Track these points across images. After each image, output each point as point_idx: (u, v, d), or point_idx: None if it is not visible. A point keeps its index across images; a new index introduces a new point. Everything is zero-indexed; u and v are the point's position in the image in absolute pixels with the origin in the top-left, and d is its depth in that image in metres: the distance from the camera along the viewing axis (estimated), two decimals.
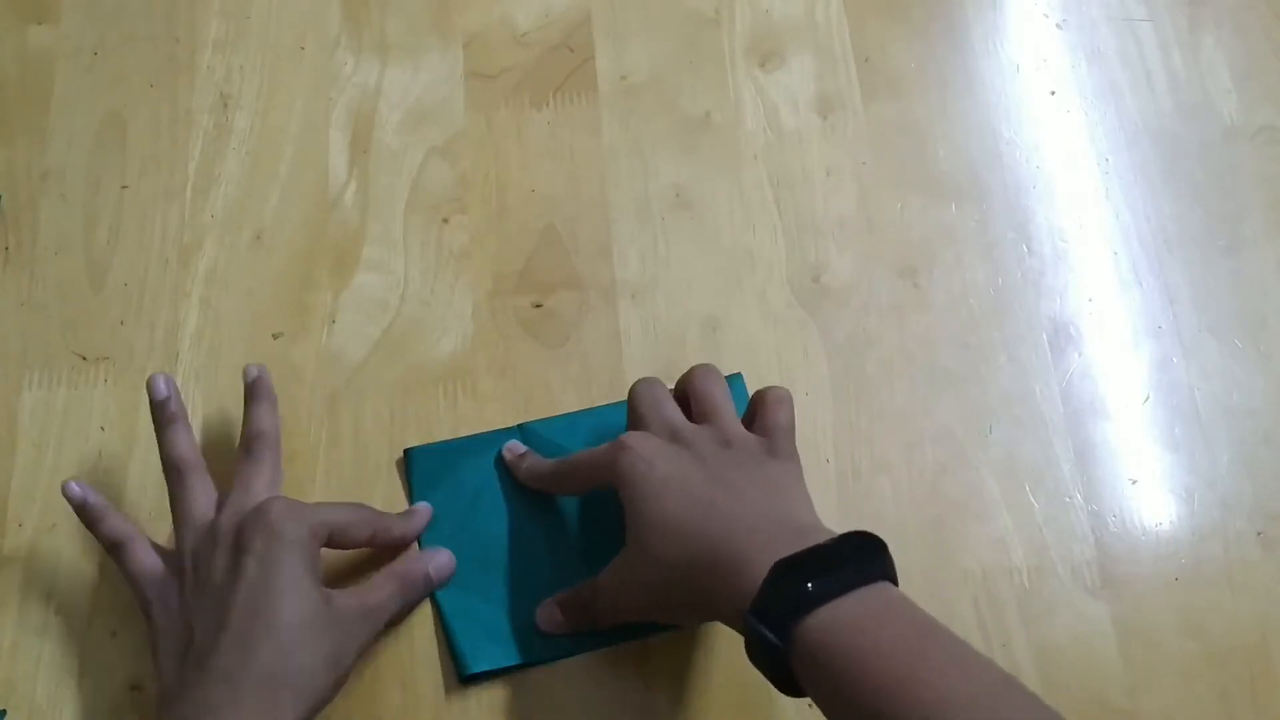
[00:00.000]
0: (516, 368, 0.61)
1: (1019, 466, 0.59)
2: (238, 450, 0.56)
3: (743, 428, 0.53)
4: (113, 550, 0.54)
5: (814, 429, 0.60)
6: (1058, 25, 0.70)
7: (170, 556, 0.53)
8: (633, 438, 0.52)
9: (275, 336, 0.62)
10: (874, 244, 0.64)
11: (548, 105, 0.67)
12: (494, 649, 0.55)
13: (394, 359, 0.62)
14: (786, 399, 0.54)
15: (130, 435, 0.60)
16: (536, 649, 0.55)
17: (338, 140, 0.67)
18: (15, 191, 0.65)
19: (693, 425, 0.53)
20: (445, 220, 0.65)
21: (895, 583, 0.46)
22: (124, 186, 0.65)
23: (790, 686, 0.44)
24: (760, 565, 0.44)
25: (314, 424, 0.60)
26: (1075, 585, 0.57)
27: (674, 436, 0.52)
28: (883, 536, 0.55)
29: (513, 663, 0.55)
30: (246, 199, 0.65)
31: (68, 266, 0.63)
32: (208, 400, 0.61)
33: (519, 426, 0.59)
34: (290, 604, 0.48)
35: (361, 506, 0.56)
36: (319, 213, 0.65)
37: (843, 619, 0.43)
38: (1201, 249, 0.64)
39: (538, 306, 0.63)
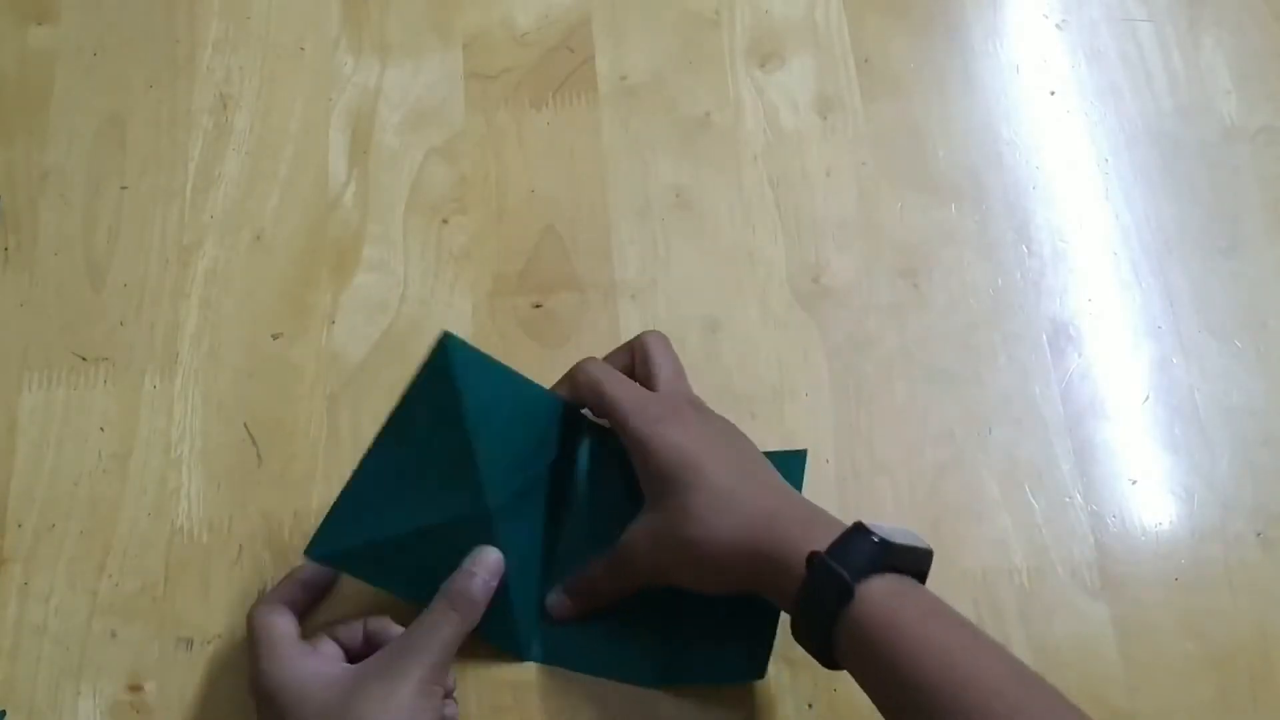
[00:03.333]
0: (516, 368, 0.61)
1: (1019, 467, 0.59)
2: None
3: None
4: None
5: (814, 430, 0.60)
6: (1058, 25, 0.70)
7: None
8: (656, 407, 0.53)
9: (275, 336, 0.62)
10: (874, 244, 0.64)
11: (548, 105, 0.67)
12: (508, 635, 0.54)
13: (394, 359, 0.62)
14: (664, 338, 0.57)
15: (130, 435, 0.60)
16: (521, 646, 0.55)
17: (338, 140, 0.67)
18: (15, 191, 0.65)
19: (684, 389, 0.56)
20: (445, 221, 0.65)
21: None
22: (124, 187, 0.65)
23: (827, 654, 0.47)
24: (825, 530, 0.47)
25: (314, 424, 0.60)
26: (1075, 586, 0.57)
27: (686, 398, 0.55)
28: None
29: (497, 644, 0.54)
30: (246, 199, 0.65)
31: (68, 266, 0.63)
32: (207, 400, 0.61)
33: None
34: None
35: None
36: (319, 213, 0.65)
37: (904, 589, 0.46)
38: (1201, 249, 0.64)
39: (538, 307, 0.63)
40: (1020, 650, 0.55)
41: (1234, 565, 0.57)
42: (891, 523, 0.48)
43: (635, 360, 0.57)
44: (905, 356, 0.62)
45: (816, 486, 0.58)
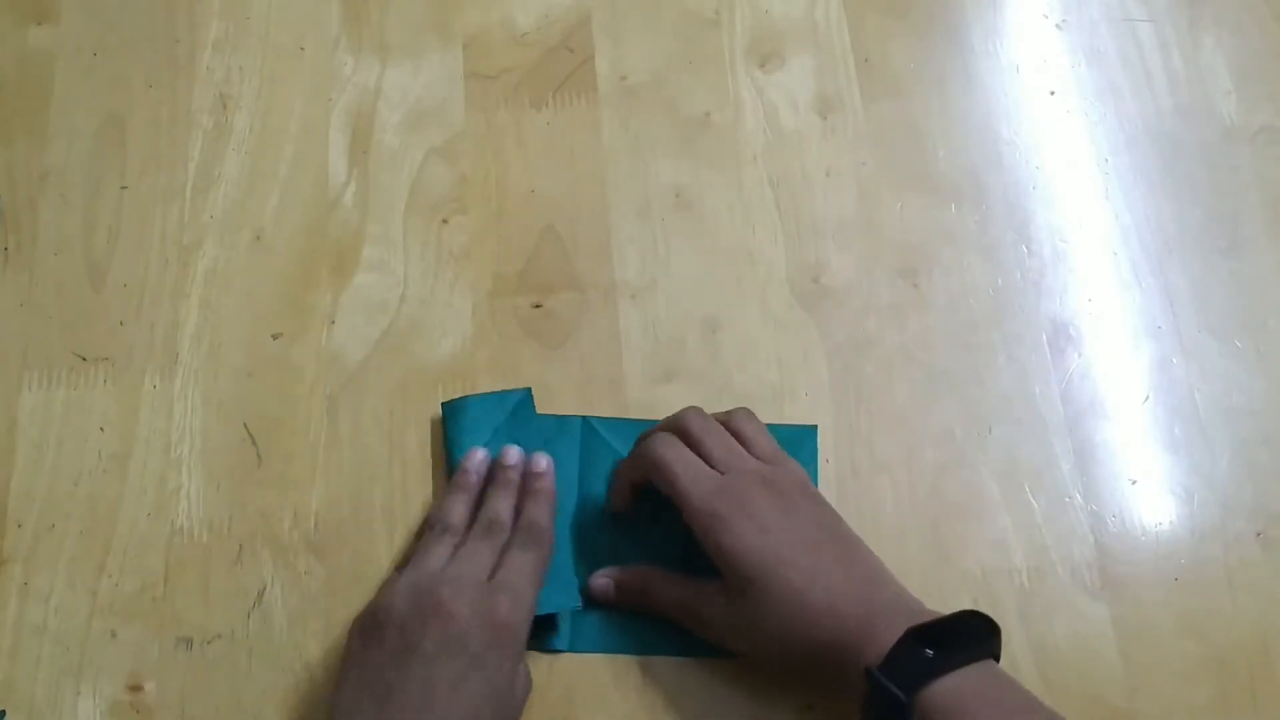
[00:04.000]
0: (516, 368, 0.61)
1: (1019, 467, 0.59)
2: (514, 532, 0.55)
3: (777, 467, 0.55)
4: None
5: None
6: (1058, 25, 0.70)
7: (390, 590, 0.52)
8: (724, 502, 0.52)
9: (275, 336, 0.62)
10: (874, 244, 0.64)
11: (547, 105, 0.68)
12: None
13: (394, 359, 0.62)
14: (756, 420, 0.57)
15: (129, 435, 0.60)
16: (559, 640, 0.55)
17: (338, 140, 0.67)
18: (15, 191, 0.65)
19: (762, 469, 0.54)
20: (445, 221, 0.65)
21: (999, 661, 0.49)
22: (124, 187, 0.65)
23: None
24: (886, 633, 0.47)
25: (314, 424, 0.60)
26: (1075, 586, 0.57)
27: (762, 481, 0.53)
28: (883, 537, 0.56)
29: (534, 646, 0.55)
30: (246, 199, 0.65)
31: (68, 266, 0.63)
32: (207, 400, 0.61)
33: (583, 419, 0.59)
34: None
35: (537, 553, 0.54)
36: (319, 213, 0.65)
37: (964, 690, 0.46)
38: (1201, 249, 0.64)
39: (537, 307, 0.63)
40: (1020, 650, 0.55)
41: (1234, 565, 0.57)
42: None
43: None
44: (905, 356, 0.62)
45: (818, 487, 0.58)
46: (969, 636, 0.48)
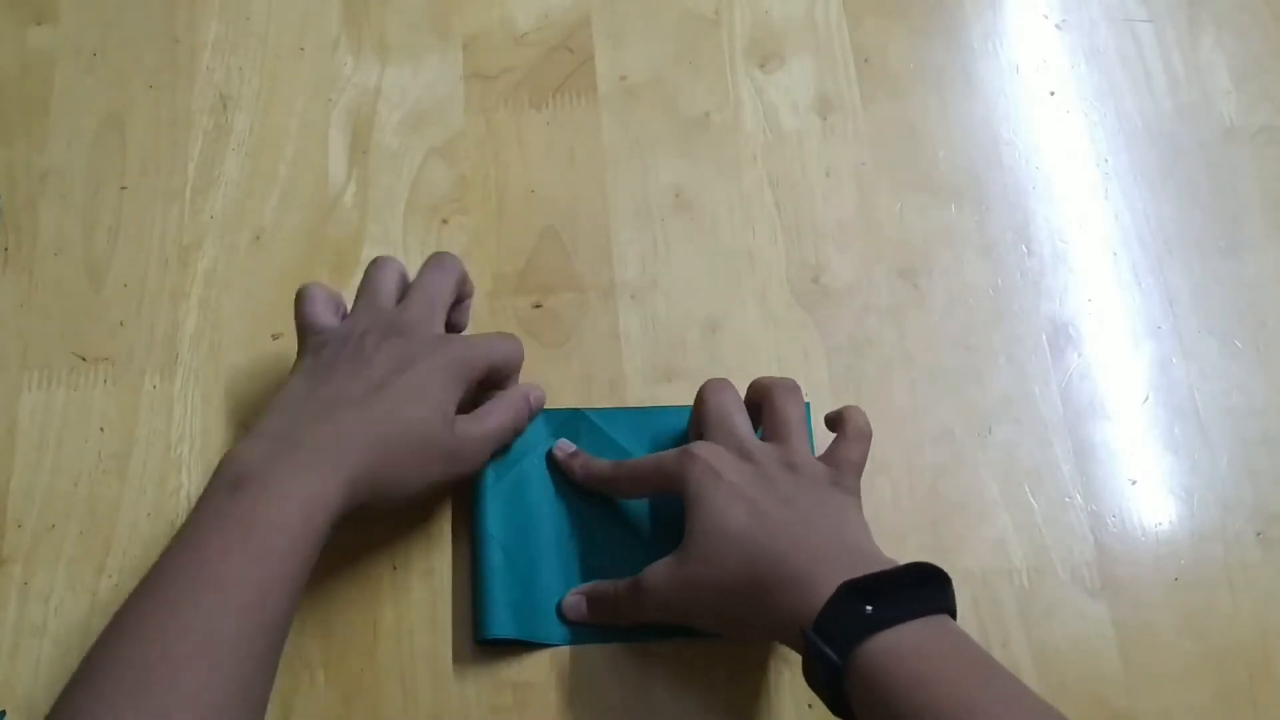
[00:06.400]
0: None
1: (1019, 467, 0.59)
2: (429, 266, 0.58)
3: (811, 455, 0.53)
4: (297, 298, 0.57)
5: (813, 431, 0.60)
6: (1057, 25, 0.70)
7: (340, 326, 0.56)
8: (702, 448, 0.52)
9: (275, 337, 0.62)
10: (874, 244, 0.64)
11: (547, 106, 0.68)
12: (515, 621, 0.54)
13: None
14: (867, 435, 0.54)
15: (130, 435, 0.60)
16: (556, 632, 0.55)
17: (337, 141, 0.67)
18: (15, 191, 0.65)
19: (761, 444, 0.53)
20: (445, 221, 0.65)
21: (954, 616, 0.46)
22: (123, 187, 0.65)
23: (843, 708, 0.45)
24: (824, 586, 0.45)
25: None
26: (1075, 586, 0.57)
27: (742, 453, 0.52)
28: (882, 537, 0.55)
29: (529, 639, 0.55)
30: (246, 199, 0.65)
31: (68, 267, 0.63)
32: (207, 400, 0.61)
33: (575, 411, 0.59)
34: (425, 423, 0.51)
35: (515, 344, 0.57)
36: (319, 213, 0.65)
37: (903, 645, 0.44)
38: (1201, 250, 0.64)
39: (538, 307, 0.63)
40: (1020, 650, 0.55)
41: (1234, 565, 0.57)
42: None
43: (762, 410, 0.55)
44: (905, 356, 0.62)
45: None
46: (912, 589, 0.45)
